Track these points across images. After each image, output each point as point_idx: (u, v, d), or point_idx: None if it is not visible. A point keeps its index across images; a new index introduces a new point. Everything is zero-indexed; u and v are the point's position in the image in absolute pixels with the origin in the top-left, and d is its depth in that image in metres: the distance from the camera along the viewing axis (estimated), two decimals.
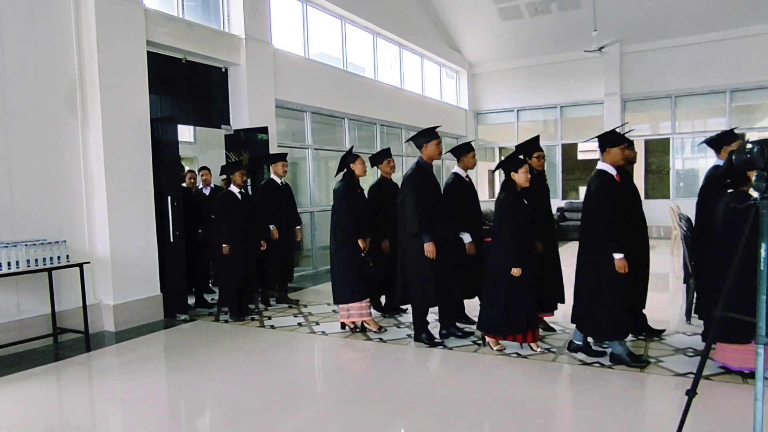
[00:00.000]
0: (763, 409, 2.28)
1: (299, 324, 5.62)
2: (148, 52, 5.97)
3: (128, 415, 3.59)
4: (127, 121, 5.66)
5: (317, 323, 5.65)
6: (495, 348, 4.50)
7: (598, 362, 4.13)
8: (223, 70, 7.45)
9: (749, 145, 2.35)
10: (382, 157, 5.98)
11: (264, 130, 7.30)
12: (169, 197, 5.97)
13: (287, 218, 6.53)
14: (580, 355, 4.30)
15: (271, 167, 6.52)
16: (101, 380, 4.31)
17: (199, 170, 7.19)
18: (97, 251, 5.52)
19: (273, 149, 7.45)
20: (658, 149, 14.59)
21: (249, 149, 7.03)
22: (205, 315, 6.17)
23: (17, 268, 4.60)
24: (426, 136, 4.86)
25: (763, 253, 2.27)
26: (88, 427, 3.48)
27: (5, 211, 4.86)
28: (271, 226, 6.35)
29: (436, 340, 4.79)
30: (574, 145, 15.03)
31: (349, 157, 5.47)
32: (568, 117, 14.10)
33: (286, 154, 6.74)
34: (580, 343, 4.34)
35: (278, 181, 6.46)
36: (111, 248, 5.49)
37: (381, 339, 5.00)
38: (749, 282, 2.45)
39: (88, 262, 5.25)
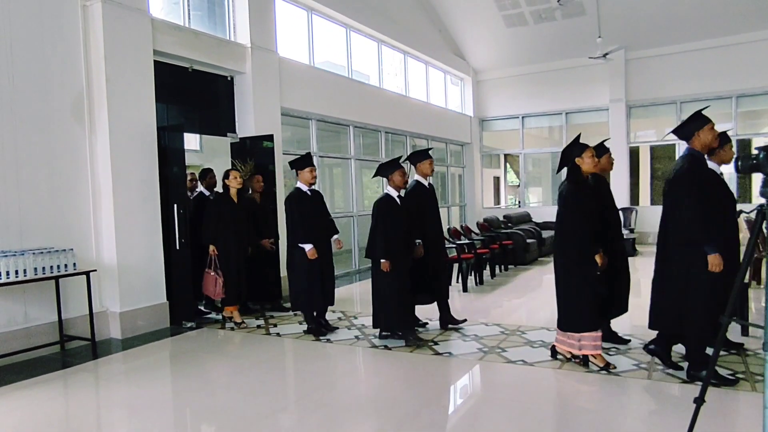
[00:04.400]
0: None
1: (304, 332, 5.62)
2: (154, 61, 6.02)
3: (135, 423, 3.59)
4: (133, 129, 5.70)
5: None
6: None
7: (603, 370, 4.11)
8: (229, 78, 7.50)
9: (755, 151, 2.35)
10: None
11: (269, 137, 7.33)
12: (175, 205, 6.00)
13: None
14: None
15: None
16: (108, 387, 4.32)
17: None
18: (103, 259, 5.55)
19: (278, 157, 7.47)
20: (664, 155, 14.53)
21: (254, 157, 7.06)
22: (211, 322, 6.18)
23: (24, 276, 4.63)
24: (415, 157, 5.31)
25: None
26: None
27: (13, 220, 4.90)
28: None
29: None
30: None
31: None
32: (573, 123, 14.07)
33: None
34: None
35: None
36: (117, 256, 5.52)
37: (386, 346, 4.99)
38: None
39: (95, 270, 5.27)
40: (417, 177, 5.46)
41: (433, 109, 12.92)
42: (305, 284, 5.43)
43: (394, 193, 5.11)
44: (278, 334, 5.57)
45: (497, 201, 16.33)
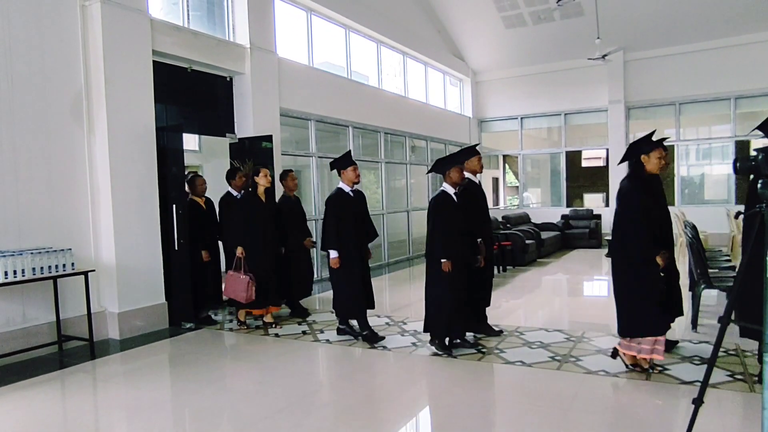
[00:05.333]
0: None
1: (303, 332, 5.61)
2: (153, 61, 6.01)
3: (133, 424, 3.59)
4: (132, 129, 5.70)
5: (321, 331, 5.64)
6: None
7: (603, 370, 4.11)
8: (228, 79, 7.50)
9: (753, 152, 2.35)
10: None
11: (268, 138, 7.33)
12: (174, 205, 6.00)
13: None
14: (585, 362, 4.28)
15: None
16: (106, 388, 4.31)
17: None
18: (102, 259, 5.54)
19: (277, 158, 7.47)
20: None
21: (253, 157, 7.05)
22: (219, 322, 6.17)
23: (23, 276, 4.62)
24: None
25: None
26: None
27: (11, 220, 4.89)
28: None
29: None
30: (579, 153, 15.03)
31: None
32: (572, 124, 14.10)
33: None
34: None
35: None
36: (116, 256, 5.51)
37: (384, 347, 4.99)
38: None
39: (93, 270, 5.27)
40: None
41: (432, 110, 12.93)
42: (348, 289, 5.24)
43: (450, 191, 4.79)
44: (276, 335, 5.55)
45: (496, 202, 16.33)
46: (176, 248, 6.01)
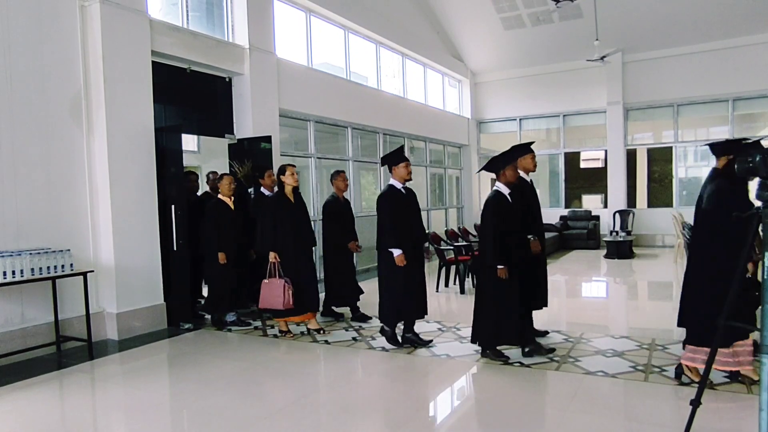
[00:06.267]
0: (767, 419, 2.27)
1: (302, 333, 5.62)
2: (152, 61, 6.02)
3: (131, 424, 3.59)
4: (131, 130, 5.70)
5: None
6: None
7: (601, 371, 4.12)
8: (227, 79, 7.50)
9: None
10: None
11: (267, 139, 7.33)
12: (173, 206, 6.00)
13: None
14: (583, 363, 4.29)
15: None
16: (104, 389, 4.31)
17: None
18: (101, 260, 5.54)
19: (276, 158, 7.47)
20: (661, 158, 14.58)
21: (252, 158, 7.06)
22: (207, 324, 6.17)
23: (22, 276, 4.61)
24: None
25: (766, 263, 2.26)
26: None
27: (10, 220, 4.89)
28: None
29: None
30: (577, 154, 15.05)
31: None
32: (570, 126, 14.12)
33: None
34: None
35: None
36: (115, 257, 5.51)
37: (383, 348, 4.99)
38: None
39: (92, 271, 5.26)
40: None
41: (431, 111, 12.94)
42: (404, 292, 4.87)
43: (505, 191, 4.48)
44: (275, 336, 5.54)
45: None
46: (175, 249, 6.01)
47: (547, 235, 11.77)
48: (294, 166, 5.60)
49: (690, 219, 6.40)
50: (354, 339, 5.32)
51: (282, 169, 5.48)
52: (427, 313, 5.09)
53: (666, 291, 7.49)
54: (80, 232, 5.44)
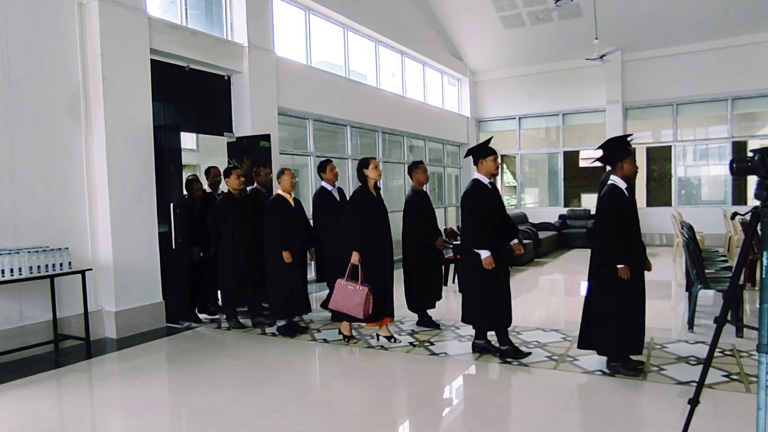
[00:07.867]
0: (765, 418, 2.27)
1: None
2: (151, 59, 6.00)
3: (129, 423, 3.58)
4: (130, 128, 5.69)
5: (318, 330, 5.64)
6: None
7: (600, 370, 4.12)
8: (226, 77, 7.49)
9: (750, 153, 2.36)
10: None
11: (266, 137, 7.33)
12: (171, 204, 5.99)
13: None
14: (582, 362, 4.29)
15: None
16: (102, 387, 4.31)
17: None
18: (99, 258, 5.53)
19: (275, 157, 7.46)
20: (660, 157, 14.59)
21: (251, 156, 7.05)
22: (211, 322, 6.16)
23: (20, 275, 4.61)
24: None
25: (765, 262, 2.26)
26: None
27: (9, 218, 4.88)
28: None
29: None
30: (576, 153, 15.05)
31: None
32: (569, 125, 14.11)
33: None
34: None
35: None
36: (113, 255, 5.50)
37: (382, 347, 4.99)
38: None
39: (90, 269, 5.26)
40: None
41: (430, 110, 12.93)
42: (492, 295, 4.52)
43: (622, 185, 4.14)
44: (274, 335, 5.54)
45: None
46: (174, 247, 6.00)
47: (546, 234, 11.81)
48: (375, 158, 5.18)
49: (690, 218, 6.39)
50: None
51: (365, 162, 4.97)
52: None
53: (664, 290, 7.50)
54: (78, 230, 5.43)
